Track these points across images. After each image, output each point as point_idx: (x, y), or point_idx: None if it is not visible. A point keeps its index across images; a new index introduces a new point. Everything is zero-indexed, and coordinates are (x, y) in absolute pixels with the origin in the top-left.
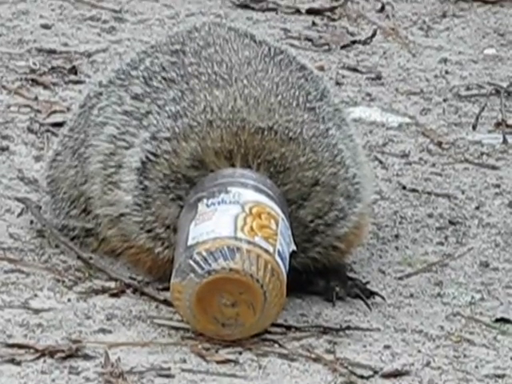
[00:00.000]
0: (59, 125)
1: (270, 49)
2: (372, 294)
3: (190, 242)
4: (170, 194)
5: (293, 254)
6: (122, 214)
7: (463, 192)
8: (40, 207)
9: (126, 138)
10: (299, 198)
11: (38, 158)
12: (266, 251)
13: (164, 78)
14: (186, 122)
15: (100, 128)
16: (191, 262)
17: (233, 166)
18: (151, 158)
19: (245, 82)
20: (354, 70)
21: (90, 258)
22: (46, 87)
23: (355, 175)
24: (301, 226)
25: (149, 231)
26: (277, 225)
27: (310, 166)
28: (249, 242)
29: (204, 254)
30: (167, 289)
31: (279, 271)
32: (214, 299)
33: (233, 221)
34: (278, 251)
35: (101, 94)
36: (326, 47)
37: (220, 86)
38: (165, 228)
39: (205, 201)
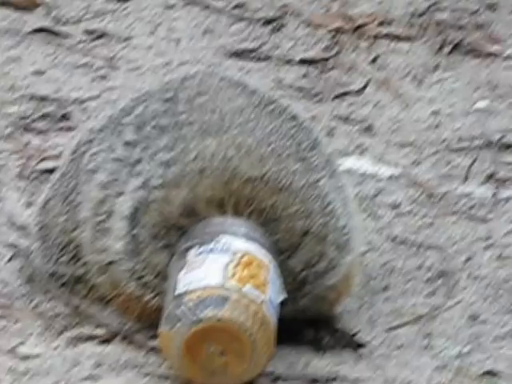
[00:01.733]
0: (50, 171)
1: (262, 98)
2: (361, 344)
3: (179, 291)
4: (161, 241)
5: (282, 304)
6: (111, 262)
7: (453, 244)
8: (30, 253)
9: (116, 185)
10: (289, 248)
11: (28, 204)
12: (256, 301)
13: (156, 126)
14: (178, 170)
15: (91, 175)
16: (180, 311)
17: (224, 214)
18: (142, 205)
19: (237, 130)
20: (346, 120)
21: (79, 306)
22: (37, 133)
23: (345, 226)
24: (291, 275)
25: (138, 279)
26: (267, 274)
27: (301, 215)
28: (238, 292)
29: (193, 302)
30: (156, 337)
31: (268, 321)
32: (203, 348)
33: (222, 269)
34: (268, 300)
35: (92, 140)
36: (318, 97)
37: (212, 134)
38: (154, 276)
39: (195, 249)
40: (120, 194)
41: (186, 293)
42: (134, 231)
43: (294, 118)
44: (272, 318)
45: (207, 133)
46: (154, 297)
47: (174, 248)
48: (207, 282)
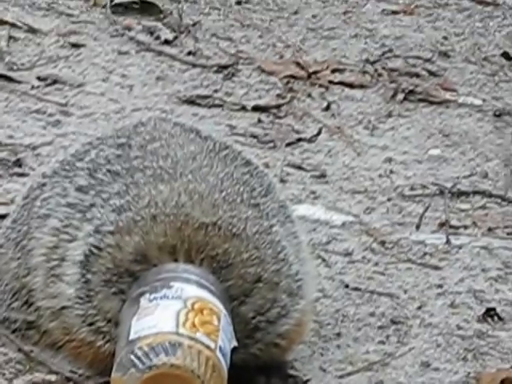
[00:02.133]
0: (2, 217)
1: (215, 144)
2: None
3: (131, 337)
4: (113, 287)
5: (234, 350)
6: (63, 307)
7: (405, 291)
8: None
9: (69, 230)
10: (241, 295)
11: None
12: (208, 347)
13: (109, 171)
14: (130, 216)
15: (43, 220)
16: (132, 357)
17: (176, 260)
18: (94, 251)
19: (189, 177)
20: (299, 167)
21: (31, 351)
22: None
23: (298, 272)
24: (242, 322)
25: (90, 324)
26: (218, 321)
27: (253, 262)
28: (190, 338)
29: (145, 348)
30: (108, 383)
31: (220, 367)
32: None
33: (175, 316)
34: (220, 347)
35: (44, 184)
36: (272, 144)
37: (165, 180)
38: (106, 322)
39: (147, 295)
40: (73, 239)
41: (138, 339)
42: (86, 277)
43: (247, 163)
44: (223, 365)
45: (160, 179)
46: (106, 343)
47: (126, 294)
48: (159, 329)
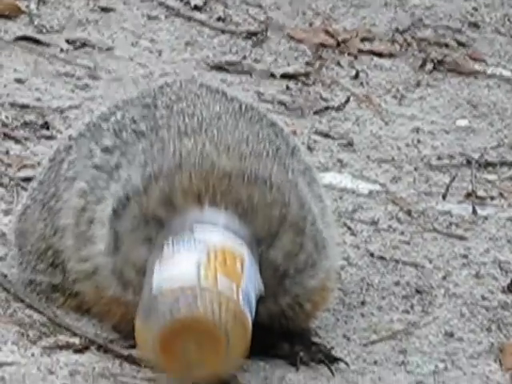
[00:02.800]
0: (29, 179)
1: (241, 105)
2: (336, 359)
3: (154, 287)
4: (140, 235)
5: (262, 300)
6: (96, 267)
7: (431, 261)
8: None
9: (96, 192)
10: (268, 237)
11: (6, 212)
12: (230, 297)
13: (134, 131)
14: (156, 166)
15: (70, 183)
16: (153, 308)
17: (201, 207)
18: (122, 201)
19: (215, 131)
20: (326, 135)
21: (55, 315)
22: (17, 141)
23: (323, 231)
24: (271, 267)
25: (120, 276)
26: (242, 267)
27: (277, 204)
28: (212, 288)
29: (168, 300)
30: (132, 346)
31: (243, 316)
32: (178, 344)
33: (196, 264)
34: (243, 295)
35: (71, 147)
36: (299, 112)
37: (189, 134)
38: (135, 272)
39: (170, 243)
40: (100, 201)
41: (160, 289)
42: (114, 228)
43: (272, 125)
44: (247, 312)
45: (185, 134)
46: (135, 296)
47: (153, 243)
48: (181, 280)
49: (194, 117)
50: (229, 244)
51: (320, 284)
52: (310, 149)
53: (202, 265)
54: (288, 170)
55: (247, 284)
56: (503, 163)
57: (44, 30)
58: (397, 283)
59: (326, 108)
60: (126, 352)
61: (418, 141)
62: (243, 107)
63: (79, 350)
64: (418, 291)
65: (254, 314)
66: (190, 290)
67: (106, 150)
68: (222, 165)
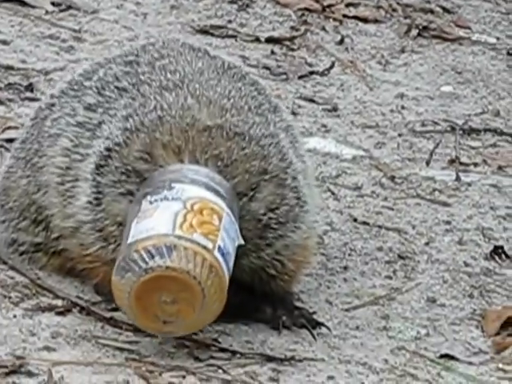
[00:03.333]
0: (13, 141)
1: (223, 62)
2: (318, 324)
3: (129, 240)
4: (120, 188)
5: (244, 254)
6: (79, 222)
7: (414, 227)
8: None
9: (80, 150)
10: (249, 189)
11: None
12: (205, 247)
13: (117, 87)
14: (137, 119)
15: (54, 140)
16: (129, 261)
17: (181, 161)
18: (103, 155)
19: (197, 86)
20: (311, 100)
21: (38, 277)
22: (1, 103)
23: (304, 187)
24: (253, 218)
25: (101, 230)
26: (220, 220)
27: (257, 156)
28: (186, 239)
29: (141, 252)
30: (115, 309)
31: (218, 267)
32: (154, 297)
33: (172, 218)
34: (219, 247)
35: (53, 105)
36: (284, 76)
37: (171, 89)
38: (117, 225)
39: (148, 197)
40: (84, 158)
41: (135, 242)
42: (96, 180)
43: (255, 83)
44: (223, 265)
45: (167, 88)
46: (116, 248)
47: (134, 196)
48: (156, 231)
49: (176, 72)
50: (207, 197)
51: (301, 240)
52: (294, 113)
53: (178, 214)
54: (269, 123)
55: (224, 236)
56: (487, 130)
57: None
58: (380, 249)
59: (311, 73)
60: (108, 314)
61: (403, 107)
62: (226, 65)
63: (61, 313)
64: (400, 257)
65: (231, 268)
66: (164, 238)
67: (89, 107)
68: (202, 119)
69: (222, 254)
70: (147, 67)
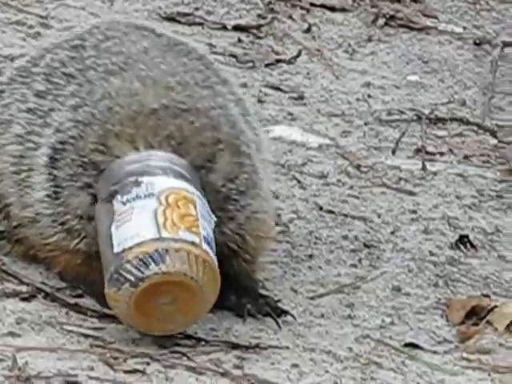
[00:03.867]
0: None
1: (169, 39)
2: (283, 312)
3: (116, 250)
4: (78, 181)
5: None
6: (38, 213)
7: (379, 216)
8: None
9: (32, 138)
10: (206, 161)
11: None
12: (194, 243)
13: (64, 74)
14: (87, 110)
15: (6, 126)
16: (123, 272)
17: (136, 149)
18: (58, 147)
19: (141, 66)
20: (277, 88)
21: (3, 263)
22: None
23: (256, 158)
24: (213, 190)
25: (62, 224)
26: (195, 207)
27: (207, 128)
28: (175, 240)
29: (134, 262)
30: (79, 295)
31: (210, 260)
32: (153, 301)
33: (153, 219)
34: (204, 238)
35: (3, 91)
36: (251, 64)
37: (116, 73)
38: (78, 219)
39: (119, 197)
40: (37, 147)
41: (123, 252)
42: (53, 174)
43: (202, 57)
44: (212, 255)
45: (112, 73)
46: (79, 242)
47: (93, 189)
48: (142, 237)
49: (121, 54)
50: (176, 186)
51: (261, 209)
52: (260, 102)
53: (157, 213)
54: (217, 95)
55: (203, 224)
56: (453, 119)
57: None
58: (345, 237)
59: (278, 61)
60: (72, 301)
61: (369, 95)
62: (171, 41)
63: (26, 298)
64: (366, 245)
65: (215, 252)
66: (153, 243)
67: (38, 94)
68: (148, 102)
69: (208, 244)
70: (93, 51)
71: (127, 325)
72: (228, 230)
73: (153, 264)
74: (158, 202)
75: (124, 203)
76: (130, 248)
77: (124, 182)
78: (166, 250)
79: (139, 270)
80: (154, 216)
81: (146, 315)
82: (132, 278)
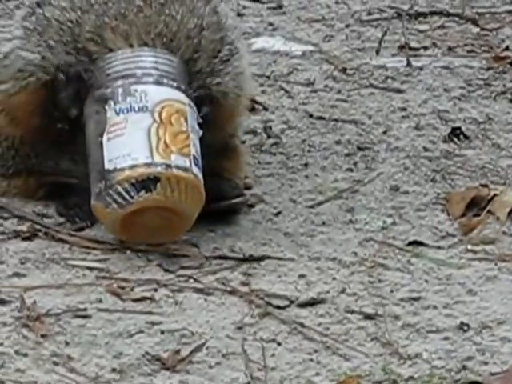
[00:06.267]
0: None
1: None
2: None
3: (107, 166)
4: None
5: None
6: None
7: (370, 117)
8: None
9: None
10: (194, 52)
11: None
12: (184, 169)
13: None
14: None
15: None
16: (112, 193)
17: (131, 45)
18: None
19: None
20: (255, 0)
21: (1, 201)
22: None
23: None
24: (199, 74)
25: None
26: (186, 121)
27: (189, 17)
28: (167, 166)
29: (125, 184)
30: (80, 229)
31: (199, 184)
32: (138, 221)
33: (146, 138)
34: (194, 158)
35: None
36: None
37: None
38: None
39: (112, 105)
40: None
41: (114, 171)
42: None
43: None
44: (200, 176)
45: None
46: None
47: (84, 76)
48: (135, 159)
49: None
50: (168, 98)
51: (244, 69)
52: (239, 15)
53: (151, 131)
54: None
55: (194, 140)
56: (433, 12)
57: None
58: (338, 142)
59: None
60: (74, 235)
61: None
62: None
63: (28, 238)
64: (359, 148)
65: (201, 160)
66: (145, 169)
67: None
68: (136, 1)
69: (196, 164)
70: None
71: (111, 233)
72: (213, 84)
73: (143, 191)
74: (151, 119)
75: (117, 113)
76: (123, 169)
77: (116, 89)
78: (158, 178)
79: (129, 193)
80: (147, 135)
81: (130, 231)
82: (121, 201)
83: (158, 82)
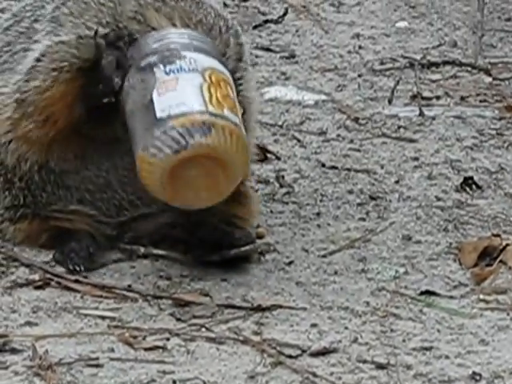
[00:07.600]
0: None
1: None
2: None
3: (159, 114)
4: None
5: None
6: None
7: (382, 167)
8: None
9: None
10: (225, 47)
11: None
12: (235, 124)
13: None
14: None
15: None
16: (166, 138)
17: (174, 25)
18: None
19: None
20: (268, 49)
21: (11, 249)
22: None
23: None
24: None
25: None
26: (232, 91)
27: (219, 18)
28: (221, 117)
29: (180, 129)
30: (84, 277)
31: (244, 141)
32: (188, 172)
33: (199, 92)
34: (241, 122)
35: None
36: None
37: None
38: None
39: (161, 67)
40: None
41: (168, 117)
42: None
43: None
44: (245, 137)
45: None
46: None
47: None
48: (189, 107)
49: None
50: (216, 67)
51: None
52: (252, 65)
53: (203, 88)
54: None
55: (238, 107)
56: (446, 62)
57: None
58: (350, 191)
59: (265, 22)
60: (86, 284)
61: (360, 47)
62: None
63: (40, 286)
64: (372, 198)
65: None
66: (200, 115)
67: None
68: None
69: (241, 128)
70: None
71: (150, 191)
72: None
73: (198, 135)
74: (202, 78)
75: (167, 73)
76: (177, 116)
77: (164, 54)
78: (213, 125)
79: (184, 138)
80: (199, 90)
81: (174, 184)
82: (175, 145)
83: (206, 53)
